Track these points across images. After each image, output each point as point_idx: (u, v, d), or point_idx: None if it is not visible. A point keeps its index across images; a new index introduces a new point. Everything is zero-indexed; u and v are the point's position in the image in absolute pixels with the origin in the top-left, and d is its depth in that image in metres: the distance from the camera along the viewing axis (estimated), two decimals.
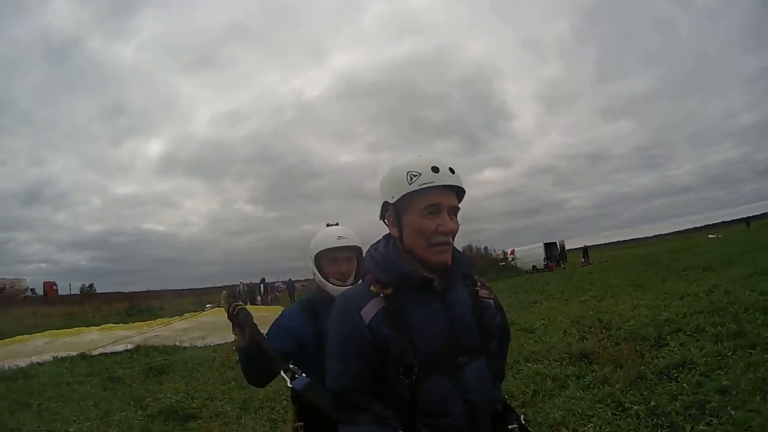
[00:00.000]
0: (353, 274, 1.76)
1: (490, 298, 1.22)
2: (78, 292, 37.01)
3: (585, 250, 31.51)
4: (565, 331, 6.27)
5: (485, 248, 34.62)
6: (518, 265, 31.38)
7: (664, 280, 10.67)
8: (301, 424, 1.54)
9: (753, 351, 4.00)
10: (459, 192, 1.15)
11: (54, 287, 36.49)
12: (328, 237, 1.77)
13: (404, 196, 1.11)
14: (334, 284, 1.71)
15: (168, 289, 34.29)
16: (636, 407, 3.39)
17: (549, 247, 31.16)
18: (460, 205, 1.16)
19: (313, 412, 1.22)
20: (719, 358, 4.03)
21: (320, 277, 1.76)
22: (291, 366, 1.28)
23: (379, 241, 1.23)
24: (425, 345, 1.06)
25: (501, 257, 34.08)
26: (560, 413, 3.54)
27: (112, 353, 8.87)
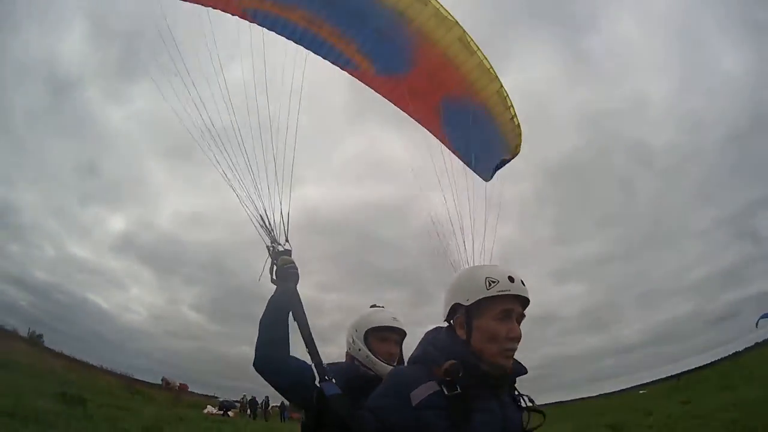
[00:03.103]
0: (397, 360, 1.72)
1: (535, 410, 1.24)
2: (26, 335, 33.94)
3: None
4: None
5: None
6: None
7: None
8: None
9: None
10: (525, 303, 1.23)
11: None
12: (382, 316, 1.75)
13: (480, 300, 1.17)
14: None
15: (101, 366, 33.21)
16: None
17: None
18: (525, 312, 1.23)
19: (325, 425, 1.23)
20: None
21: (369, 353, 1.69)
22: (325, 365, 1.35)
23: (437, 330, 1.29)
24: None
25: None
26: None
27: None
